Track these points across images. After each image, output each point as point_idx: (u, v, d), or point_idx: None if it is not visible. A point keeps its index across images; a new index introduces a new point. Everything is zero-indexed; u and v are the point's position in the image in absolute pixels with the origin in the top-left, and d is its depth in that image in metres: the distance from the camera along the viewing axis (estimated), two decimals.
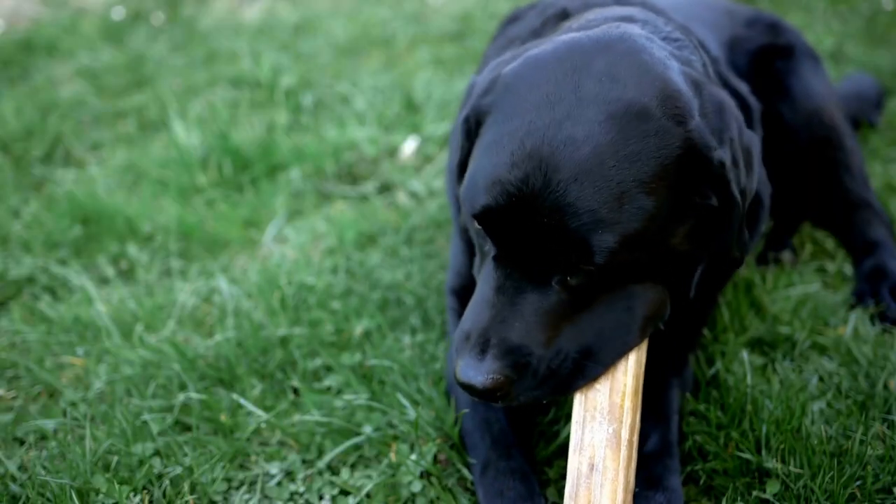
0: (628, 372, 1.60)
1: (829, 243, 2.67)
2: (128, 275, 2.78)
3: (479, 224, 1.57)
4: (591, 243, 1.47)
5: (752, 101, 2.09)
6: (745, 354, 2.08)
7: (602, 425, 1.55)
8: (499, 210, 1.52)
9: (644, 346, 1.65)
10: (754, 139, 1.77)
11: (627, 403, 1.58)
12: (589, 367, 1.59)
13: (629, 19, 1.80)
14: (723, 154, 1.57)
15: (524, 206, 1.49)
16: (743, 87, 2.10)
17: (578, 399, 1.60)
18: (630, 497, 1.56)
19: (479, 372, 1.52)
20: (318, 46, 4.72)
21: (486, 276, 1.61)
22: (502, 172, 1.51)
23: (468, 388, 1.54)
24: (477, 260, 1.73)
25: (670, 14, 1.99)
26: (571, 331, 1.57)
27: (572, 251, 1.49)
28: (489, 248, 1.61)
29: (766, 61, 2.52)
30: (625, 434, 1.55)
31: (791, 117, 2.50)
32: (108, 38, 5.14)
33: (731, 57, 2.46)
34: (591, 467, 1.53)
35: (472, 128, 1.72)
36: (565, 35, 1.70)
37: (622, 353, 1.62)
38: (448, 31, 4.87)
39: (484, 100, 1.67)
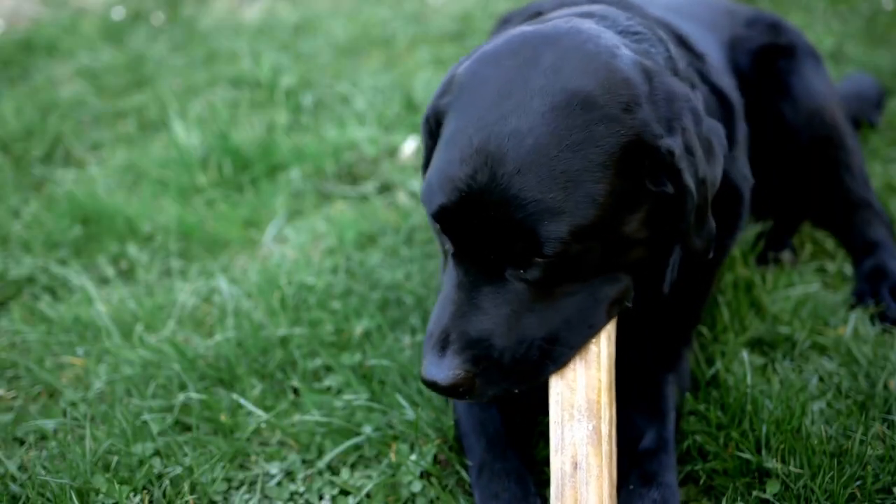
0: (601, 367, 1.61)
1: (829, 243, 2.67)
2: (128, 275, 2.78)
3: (437, 223, 1.59)
4: (538, 234, 1.48)
5: (735, 96, 2.08)
6: (745, 354, 2.07)
7: (581, 423, 1.55)
8: (452, 208, 1.53)
9: (612, 339, 1.65)
10: (718, 128, 1.75)
11: (604, 398, 1.58)
12: (556, 351, 1.60)
13: (588, 15, 1.81)
14: (671, 142, 1.56)
15: (473, 202, 1.51)
16: (726, 83, 2.08)
17: (555, 399, 1.60)
18: (615, 491, 1.57)
19: (440, 369, 1.53)
20: (318, 46, 4.72)
21: (448, 275, 1.63)
22: (453, 170, 1.53)
23: (432, 386, 1.55)
24: (440, 260, 1.73)
25: (647, 10, 1.98)
26: (534, 319, 1.58)
27: (520, 243, 1.50)
28: (448, 246, 1.62)
29: (768, 61, 2.52)
30: (604, 429, 1.56)
31: (792, 116, 2.50)
32: (108, 38, 5.14)
33: (732, 56, 2.46)
34: (575, 466, 1.53)
35: (432, 128, 1.73)
36: (516, 29, 1.71)
37: (589, 335, 1.63)
38: (448, 31, 4.87)
39: (441, 100, 1.69)
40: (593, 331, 1.63)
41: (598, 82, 1.54)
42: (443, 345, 1.55)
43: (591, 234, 1.53)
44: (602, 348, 1.62)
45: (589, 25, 1.68)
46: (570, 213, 1.49)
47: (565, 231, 1.49)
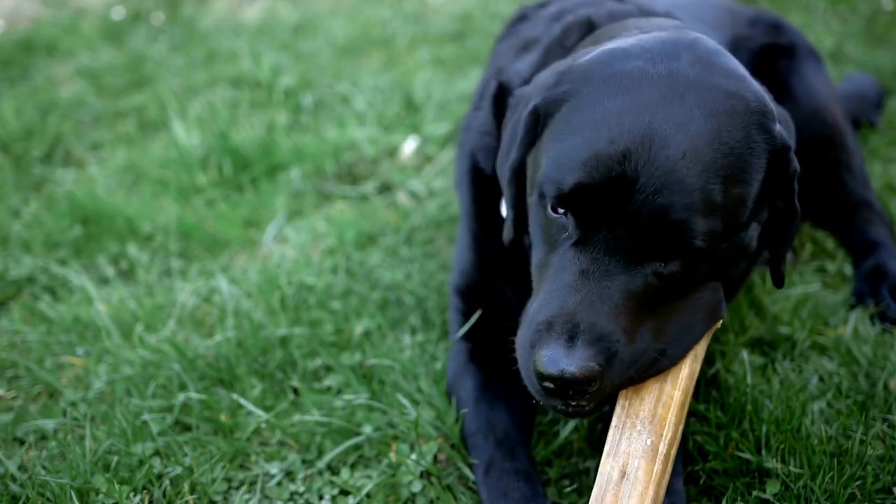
0: (679, 385, 1.55)
1: (829, 243, 2.67)
2: (128, 275, 2.78)
3: (565, 205, 1.50)
4: (693, 226, 1.43)
5: (781, 110, 2.12)
6: (745, 354, 2.07)
7: (641, 435, 1.50)
8: (595, 187, 1.45)
9: (699, 358, 1.61)
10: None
11: (672, 417, 1.52)
12: (660, 362, 1.53)
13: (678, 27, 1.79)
14: (796, 164, 1.59)
15: (625, 184, 1.43)
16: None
17: (621, 404, 1.55)
18: None
19: (570, 360, 1.41)
20: (318, 46, 4.71)
21: (562, 265, 1.51)
22: (599, 147, 1.46)
23: (556, 379, 1.42)
24: (538, 256, 1.62)
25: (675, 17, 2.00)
26: (653, 323, 1.51)
27: (674, 233, 1.44)
28: (568, 234, 1.52)
29: (769, 60, 2.52)
30: (663, 448, 1.50)
31: (792, 116, 2.51)
32: (108, 38, 5.14)
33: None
34: (623, 475, 1.47)
35: (540, 119, 1.65)
36: (640, 34, 1.68)
37: (689, 349, 1.57)
38: (448, 31, 4.87)
39: (557, 89, 1.61)
40: (695, 340, 1.58)
41: (746, 90, 1.54)
42: (571, 334, 1.43)
43: (730, 237, 1.50)
44: (685, 367, 1.57)
45: (704, 37, 1.65)
46: (723, 210, 1.45)
47: (719, 227, 1.45)
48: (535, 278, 1.63)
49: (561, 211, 1.52)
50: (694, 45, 1.59)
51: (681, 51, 1.56)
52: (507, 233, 1.80)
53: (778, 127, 1.57)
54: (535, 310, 1.53)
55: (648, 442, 1.49)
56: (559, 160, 1.52)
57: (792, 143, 1.63)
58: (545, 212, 1.56)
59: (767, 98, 1.61)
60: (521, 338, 1.55)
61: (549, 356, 1.43)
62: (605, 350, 1.44)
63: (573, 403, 1.48)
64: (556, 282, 1.51)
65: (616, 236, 1.46)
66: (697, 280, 1.55)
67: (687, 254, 1.47)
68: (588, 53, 1.66)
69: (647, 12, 2.03)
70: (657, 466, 1.48)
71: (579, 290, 1.47)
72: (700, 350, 1.60)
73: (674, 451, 1.53)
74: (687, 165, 1.43)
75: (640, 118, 1.46)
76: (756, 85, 1.61)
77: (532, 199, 1.63)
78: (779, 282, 1.73)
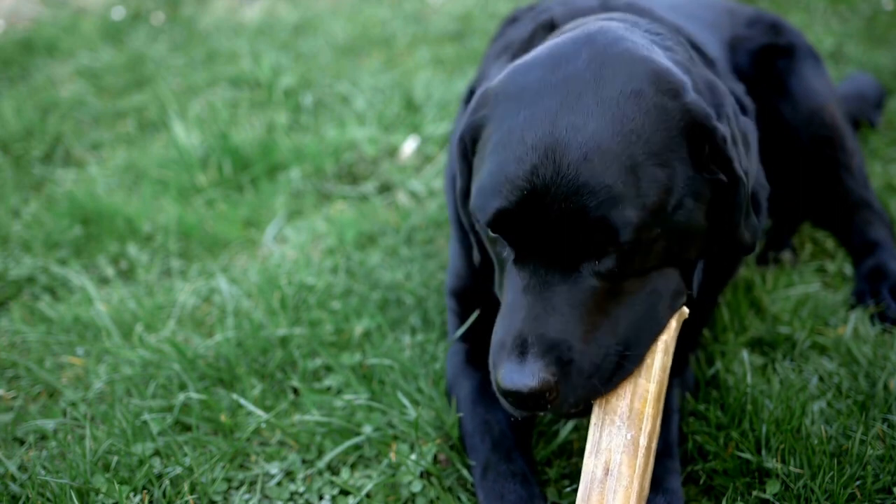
0: (652, 378, 1.56)
1: (829, 243, 2.67)
2: (128, 275, 2.78)
3: (496, 231, 1.54)
4: (613, 221, 1.45)
5: (748, 101, 2.10)
6: (745, 354, 2.07)
7: (620, 430, 1.52)
8: (512, 209, 1.49)
9: (669, 351, 1.61)
10: (749, 125, 1.77)
11: (649, 410, 1.54)
12: (629, 355, 1.54)
13: (609, 20, 1.81)
14: (723, 129, 1.57)
15: (538, 198, 1.46)
16: (738, 88, 2.10)
17: (598, 402, 1.56)
18: None
19: (523, 375, 1.44)
20: (318, 46, 4.71)
21: (509, 283, 1.56)
22: (509, 170, 1.49)
23: (515, 395, 1.46)
24: (496, 276, 1.68)
25: (660, 14, 2.00)
26: (607, 322, 1.52)
27: (596, 232, 1.46)
28: (507, 253, 1.57)
29: (768, 61, 2.52)
30: (643, 441, 1.51)
31: (792, 117, 2.51)
32: (108, 38, 5.14)
33: (732, 57, 2.46)
34: (606, 472, 1.49)
35: (467, 146, 1.71)
36: (547, 42, 1.72)
37: (654, 337, 1.58)
38: (448, 31, 4.87)
39: (477, 115, 1.67)
40: (658, 331, 1.59)
41: (641, 74, 1.55)
42: (521, 350, 1.46)
43: (660, 221, 1.50)
44: (657, 359, 1.58)
45: (616, 25, 1.68)
46: (640, 199, 1.46)
47: (638, 216, 1.46)
48: (497, 296, 1.69)
49: (495, 234, 1.57)
50: (592, 40, 1.60)
51: (580, 49, 1.58)
52: (475, 256, 1.89)
53: (691, 97, 1.55)
54: (494, 332, 1.58)
55: (629, 436, 1.51)
56: (481, 188, 1.56)
57: (713, 109, 1.60)
58: (487, 234, 1.61)
59: (675, 71, 1.59)
60: (490, 360, 1.59)
61: (503, 374, 1.47)
62: (556, 360, 1.46)
63: (541, 414, 1.51)
64: (506, 300, 1.57)
65: (546, 248, 1.50)
66: (643, 271, 1.55)
67: (617, 248, 1.49)
68: (504, 70, 1.69)
69: (609, 7, 2.02)
70: (639, 460, 1.51)
71: (524, 307, 1.51)
72: (670, 342, 1.61)
73: (654, 444, 1.56)
74: (590, 166, 1.45)
75: (541, 130, 1.49)
76: (662, 62, 1.60)
77: (476, 224, 1.68)
78: (745, 249, 1.71)
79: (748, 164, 1.67)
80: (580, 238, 1.47)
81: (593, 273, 1.50)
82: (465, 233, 2.07)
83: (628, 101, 1.51)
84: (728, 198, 1.60)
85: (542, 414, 1.53)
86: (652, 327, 1.58)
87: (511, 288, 1.55)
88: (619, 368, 1.54)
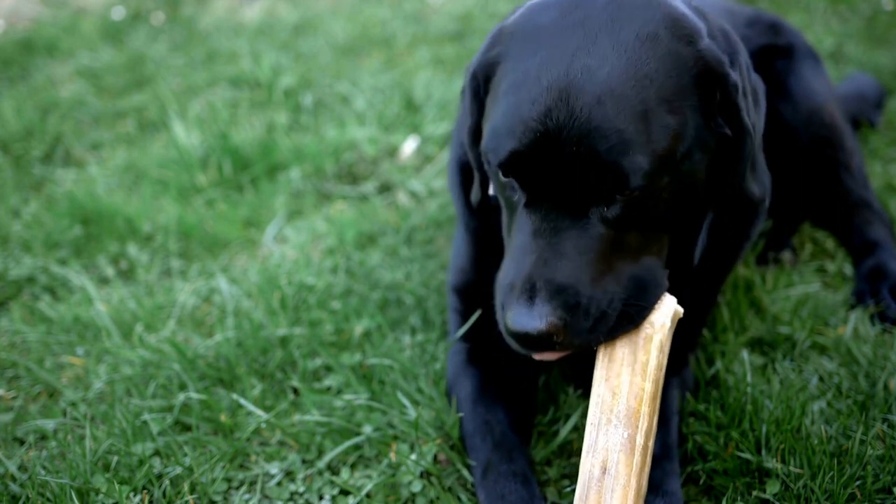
0: (648, 376, 1.57)
1: (829, 243, 2.67)
2: (128, 275, 2.78)
3: (508, 173, 1.55)
4: (624, 166, 1.46)
5: (760, 84, 2.09)
6: (745, 354, 2.07)
7: (617, 429, 1.52)
8: (525, 151, 1.50)
9: (665, 350, 1.62)
10: (760, 83, 1.77)
11: (645, 409, 1.55)
12: (633, 307, 1.56)
13: None
14: (735, 76, 1.57)
15: (551, 141, 1.47)
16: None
17: (595, 401, 1.57)
18: (641, 503, 1.54)
19: (532, 317, 1.48)
20: (318, 46, 4.71)
21: (519, 226, 1.58)
22: (523, 112, 1.50)
23: (523, 337, 1.50)
24: (504, 220, 1.69)
25: None
26: (611, 272, 1.55)
27: (607, 177, 1.47)
28: (519, 196, 1.58)
29: (766, 61, 2.52)
30: (640, 439, 1.52)
31: (791, 117, 2.51)
32: (108, 38, 5.14)
33: None
34: (604, 470, 1.50)
35: (480, 84, 1.70)
36: None
37: (654, 302, 1.60)
38: (448, 31, 4.87)
39: (490, 53, 1.66)
40: (659, 293, 1.60)
41: (657, 19, 1.55)
42: (530, 294, 1.50)
43: (669, 169, 1.51)
44: (652, 358, 1.58)
45: None
46: (651, 144, 1.47)
47: (649, 163, 1.47)
48: (504, 240, 1.69)
49: (507, 177, 1.57)
50: None
51: None
52: (475, 194, 1.87)
53: (705, 43, 1.56)
54: (502, 273, 1.59)
55: (625, 435, 1.52)
56: (494, 129, 1.57)
57: (727, 57, 1.61)
58: (498, 178, 1.61)
59: (691, 17, 1.60)
60: (496, 299, 1.62)
61: (512, 316, 1.50)
62: (564, 303, 1.49)
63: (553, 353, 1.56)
64: (515, 243, 1.58)
65: (557, 192, 1.51)
66: (647, 225, 1.57)
67: (626, 194, 1.50)
68: (517, 11, 1.70)
69: None
70: (636, 458, 1.52)
71: (534, 250, 1.53)
72: (665, 341, 1.62)
73: (651, 443, 1.56)
74: (603, 110, 1.46)
75: (556, 72, 1.50)
76: (678, 7, 1.61)
77: (487, 167, 1.68)
78: (749, 202, 1.72)
79: (756, 118, 1.67)
80: (591, 182, 1.49)
81: (601, 220, 1.52)
82: (472, 228, 2.06)
83: (643, 45, 1.51)
84: (734, 151, 1.61)
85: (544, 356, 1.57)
86: (653, 287, 1.60)
87: (521, 231, 1.57)
88: (623, 318, 1.56)
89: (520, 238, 1.56)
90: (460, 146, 2.13)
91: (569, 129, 1.46)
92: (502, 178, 1.58)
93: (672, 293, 1.65)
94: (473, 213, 2.05)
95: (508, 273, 1.56)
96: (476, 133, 1.75)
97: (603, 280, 1.53)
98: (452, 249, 2.23)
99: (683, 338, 1.97)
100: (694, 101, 1.54)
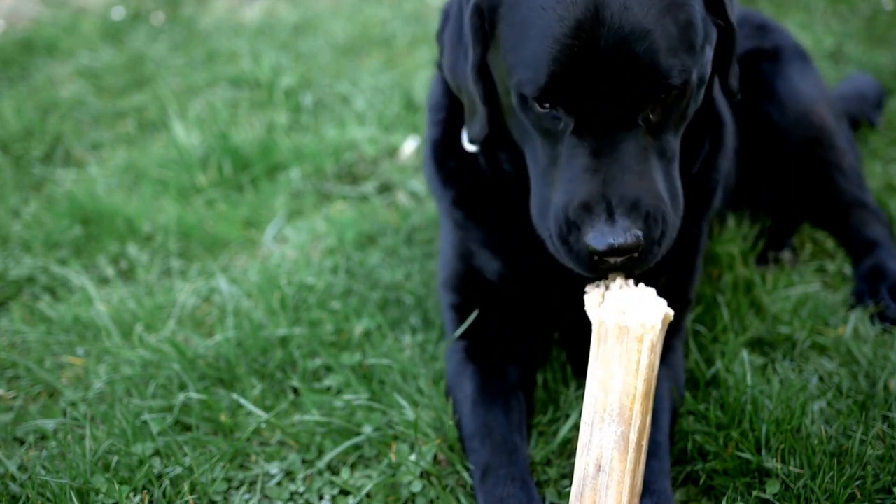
0: (640, 375, 1.59)
1: (829, 243, 2.67)
2: (128, 275, 2.78)
3: (549, 99, 1.56)
4: (662, 65, 1.50)
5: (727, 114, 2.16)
6: (745, 354, 2.07)
7: (611, 427, 1.55)
8: (563, 72, 1.52)
9: (657, 350, 1.63)
10: None
11: (637, 406, 1.57)
12: (672, 219, 1.63)
13: None
14: None
15: (588, 54, 1.49)
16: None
17: (588, 400, 1.59)
18: (636, 500, 1.55)
19: (616, 234, 1.53)
20: (318, 46, 4.71)
21: (571, 151, 1.59)
22: (554, 30, 1.51)
23: (609, 252, 1.54)
24: (538, 153, 1.68)
25: None
26: (658, 180, 1.60)
27: (650, 79, 1.51)
28: (564, 123, 1.59)
29: (753, 64, 2.52)
30: (633, 436, 1.54)
31: (779, 119, 2.51)
32: (108, 38, 5.14)
33: None
34: (598, 468, 1.52)
35: (484, 13, 1.68)
36: None
37: (682, 210, 1.68)
38: None
39: None
40: (682, 203, 1.69)
41: None
42: (609, 211, 1.54)
43: (696, 62, 1.56)
44: (643, 356, 1.60)
45: None
46: (679, 40, 1.52)
47: (681, 59, 1.52)
48: (537, 175, 1.70)
49: (548, 105, 1.58)
50: None
51: None
52: (481, 128, 1.79)
53: None
54: (563, 199, 1.60)
55: (619, 432, 1.54)
56: (527, 61, 1.57)
57: None
58: (534, 111, 1.62)
59: None
60: (549, 228, 1.65)
61: (595, 236, 1.55)
62: (641, 216, 1.55)
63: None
64: (572, 168, 1.59)
65: (605, 105, 1.54)
66: (678, 127, 1.63)
67: (668, 93, 1.54)
68: None
69: None
70: (630, 455, 1.54)
71: (598, 169, 1.56)
72: (656, 341, 1.63)
73: (645, 440, 1.58)
74: (630, 14, 1.49)
75: None
76: None
77: (514, 103, 1.66)
78: (730, 94, 1.80)
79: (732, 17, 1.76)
80: (635, 89, 1.52)
81: (648, 127, 1.57)
82: (456, 218, 2.03)
83: None
84: (722, 45, 1.69)
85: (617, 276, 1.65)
86: (680, 197, 1.68)
87: (576, 155, 1.58)
88: (668, 229, 1.63)
89: (578, 162, 1.58)
90: (435, 125, 2.11)
91: (604, 38, 1.48)
92: (540, 110, 1.59)
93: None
94: (457, 203, 2.04)
95: (575, 197, 1.57)
96: (481, 68, 1.74)
97: (658, 189, 1.59)
98: (440, 244, 2.22)
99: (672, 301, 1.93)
100: None
